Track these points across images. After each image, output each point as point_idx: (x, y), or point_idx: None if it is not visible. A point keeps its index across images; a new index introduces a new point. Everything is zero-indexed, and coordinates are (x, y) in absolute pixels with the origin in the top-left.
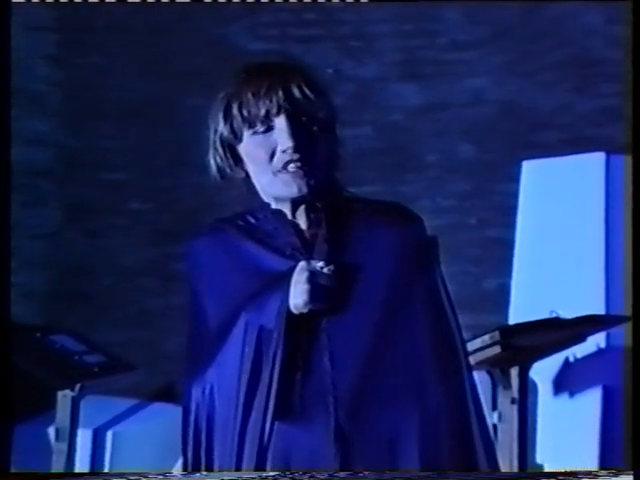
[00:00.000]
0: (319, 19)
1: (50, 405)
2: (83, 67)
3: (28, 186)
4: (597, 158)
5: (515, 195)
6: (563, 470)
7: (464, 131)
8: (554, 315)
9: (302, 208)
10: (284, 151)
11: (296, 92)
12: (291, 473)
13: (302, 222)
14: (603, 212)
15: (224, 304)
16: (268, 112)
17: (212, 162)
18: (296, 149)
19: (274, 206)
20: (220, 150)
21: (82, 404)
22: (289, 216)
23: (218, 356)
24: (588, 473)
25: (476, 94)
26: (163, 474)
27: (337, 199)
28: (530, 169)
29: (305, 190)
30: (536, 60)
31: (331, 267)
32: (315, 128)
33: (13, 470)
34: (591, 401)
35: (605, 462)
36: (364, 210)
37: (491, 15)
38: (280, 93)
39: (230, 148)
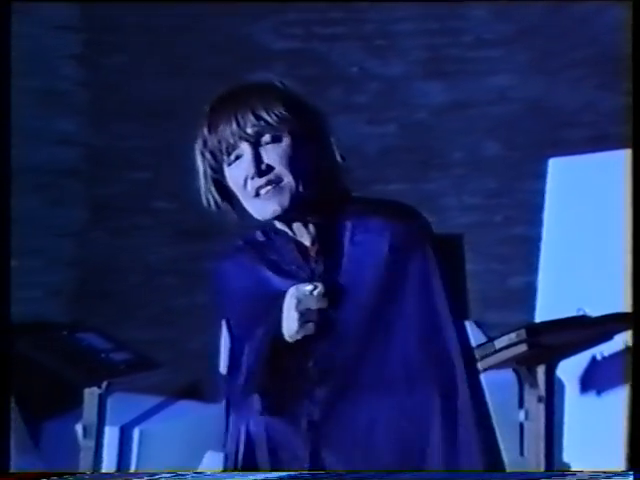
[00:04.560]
0: (344, 17)
1: (77, 402)
2: (109, 67)
3: (55, 185)
4: (622, 155)
5: (541, 193)
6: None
7: (489, 129)
8: (581, 313)
9: (297, 225)
10: (252, 178)
11: (251, 118)
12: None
13: (304, 238)
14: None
15: (242, 326)
16: (229, 146)
17: (204, 197)
18: (261, 174)
19: (277, 225)
20: (211, 187)
21: (109, 401)
22: (290, 233)
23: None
24: (611, 472)
25: (501, 92)
26: (152, 474)
27: (330, 208)
28: (556, 166)
29: (279, 210)
30: (561, 58)
31: (320, 289)
32: (285, 144)
33: (12, 470)
34: (618, 399)
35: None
36: (362, 213)
37: (516, 13)
38: (234, 125)
39: (217, 182)
